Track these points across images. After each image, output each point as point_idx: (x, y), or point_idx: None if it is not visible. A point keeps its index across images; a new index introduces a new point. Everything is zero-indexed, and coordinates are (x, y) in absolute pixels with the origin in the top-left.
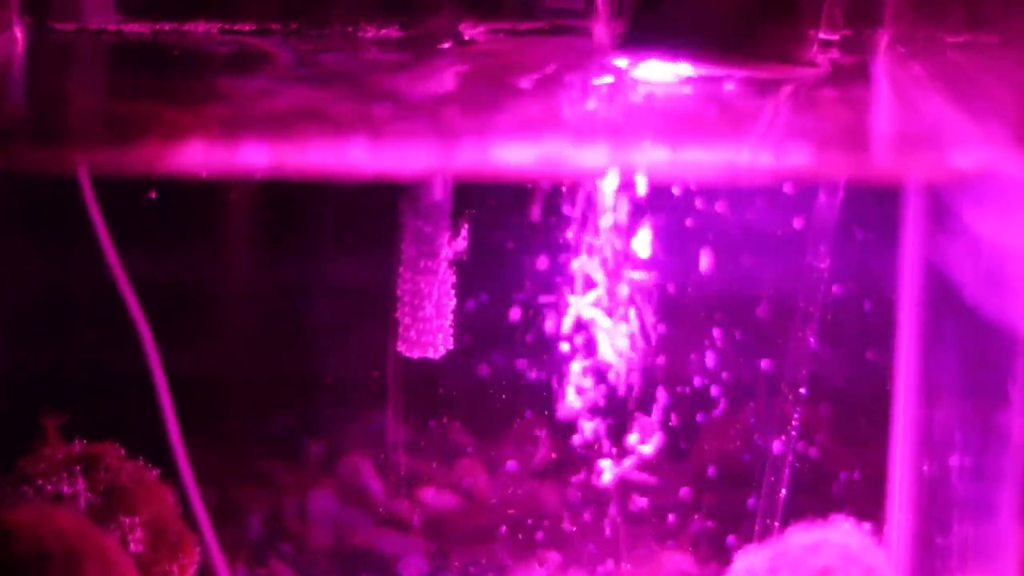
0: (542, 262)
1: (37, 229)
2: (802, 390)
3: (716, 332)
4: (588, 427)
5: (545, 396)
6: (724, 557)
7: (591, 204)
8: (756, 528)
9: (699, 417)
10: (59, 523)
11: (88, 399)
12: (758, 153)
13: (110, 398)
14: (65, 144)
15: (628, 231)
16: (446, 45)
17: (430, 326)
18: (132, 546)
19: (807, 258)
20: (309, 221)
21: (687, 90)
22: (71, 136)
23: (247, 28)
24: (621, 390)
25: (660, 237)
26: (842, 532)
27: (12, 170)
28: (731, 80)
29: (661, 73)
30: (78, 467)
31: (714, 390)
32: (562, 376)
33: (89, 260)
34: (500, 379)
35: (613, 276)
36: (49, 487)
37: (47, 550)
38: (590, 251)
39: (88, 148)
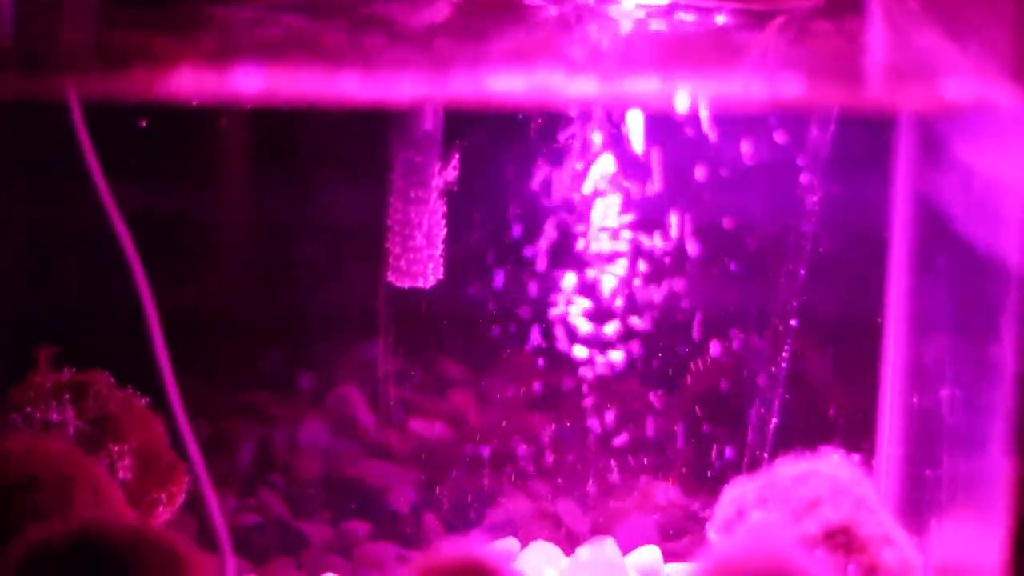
0: (534, 192)
1: (26, 158)
2: (793, 322)
3: (707, 264)
4: (579, 359)
5: (536, 327)
6: (713, 488)
7: (582, 134)
8: (745, 459)
9: (689, 350)
10: (48, 451)
11: (78, 330)
12: (750, 84)
13: (100, 329)
14: (55, 72)
15: (619, 161)
16: None
17: (420, 256)
18: (121, 474)
19: (798, 190)
20: (300, 151)
21: (679, 20)
22: (61, 64)
23: None
24: (612, 321)
25: (651, 168)
26: (831, 464)
27: (1, 98)
28: (723, 11)
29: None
30: (67, 395)
31: (705, 322)
32: (553, 307)
33: (79, 190)
34: (491, 310)
35: (604, 207)
36: (38, 415)
37: (36, 478)
38: (582, 181)
39: (78, 76)
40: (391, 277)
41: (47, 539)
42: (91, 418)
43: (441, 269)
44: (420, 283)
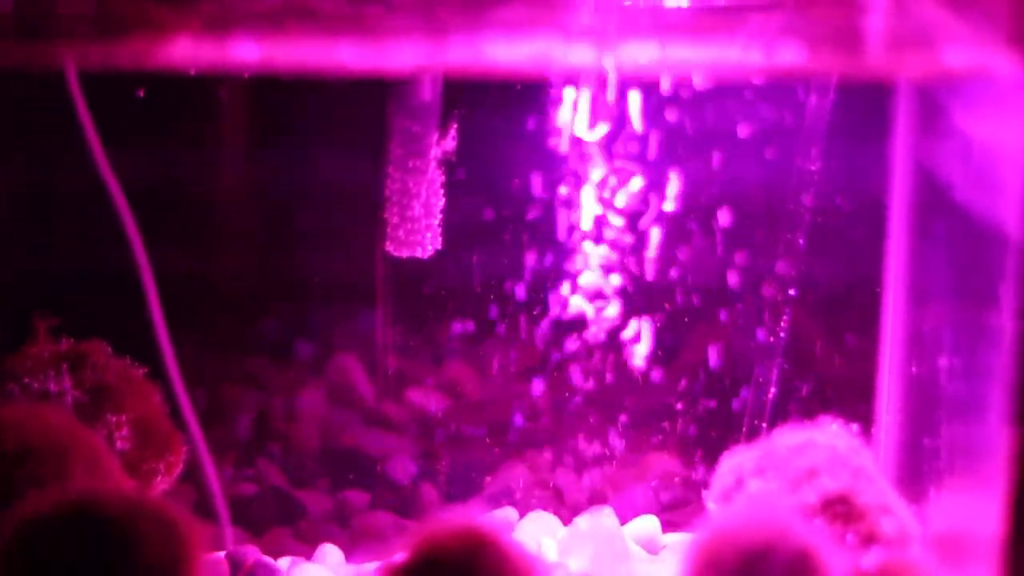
0: (533, 160)
1: (23, 126)
2: (791, 291)
3: (704, 234)
4: (577, 329)
5: (535, 297)
6: (711, 458)
7: (581, 102)
8: (744, 429)
9: (688, 319)
10: (45, 421)
11: (75, 299)
12: (749, 51)
13: (97, 298)
14: (52, 40)
15: (618, 130)
16: None
17: (418, 226)
18: (118, 444)
19: (797, 158)
20: (297, 120)
21: None
22: (58, 32)
23: None
24: (611, 292)
25: (650, 136)
26: (829, 433)
27: None
28: None
29: None
30: (65, 365)
31: (703, 292)
32: (553, 277)
33: (76, 159)
34: (490, 279)
35: (603, 175)
36: (36, 385)
37: (33, 447)
38: (580, 150)
39: (75, 44)
40: (389, 247)
41: (43, 509)
42: (89, 388)
43: (439, 239)
44: (418, 253)
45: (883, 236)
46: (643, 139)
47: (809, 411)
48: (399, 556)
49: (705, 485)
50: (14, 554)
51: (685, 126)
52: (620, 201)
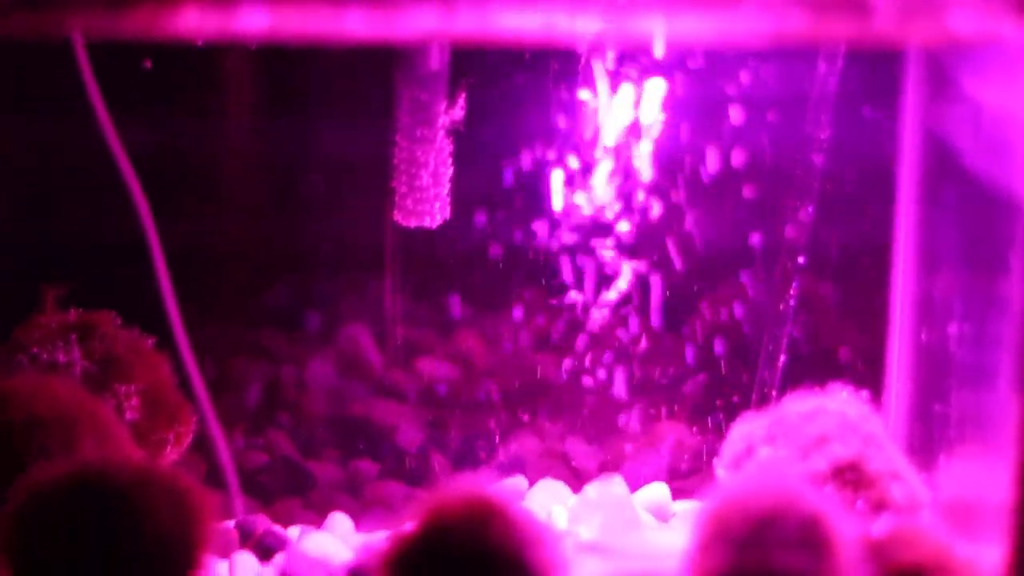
0: (541, 128)
1: (31, 96)
2: (801, 258)
3: (714, 200)
4: (587, 297)
5: (544, 265)
6: (722, 426)
7: (589, 70)
8: (754, 397)
9: (697, 287)
10: (54, 391)
11: (84, 270)
12: (757, 18)
13: (106, 269)
14: (58, 9)
15: (626, 98)
16: None
17: (427, 195)
18: (127, 414)
19: (806, 124)
20: (305, 89)
21: None
22: (65, 1)
23: None
24: (621, 259)
25: (658, 104)
26: (840, 400)
27: (4, 35)
28: None
29: None
30: (74, 336)
31: (713, 259)
32: (562, 245)
33: (84, 128)
34: (499, 248)
35: (613, 143)
36: (44, 355)
37: (41, 418)
38: (590, 117)
39: (82, 14)
40: (397, 217)
41: (50, 479)
42: (98, 359)
43: (448, 208)
44: (426, 223)
45: (893, 203)
46: (651, 105)
47: (819, 378)
48: (408, 525)
49: (715, 453)
50: (23, 524)
51: (692, 94)
52: (629, 167)
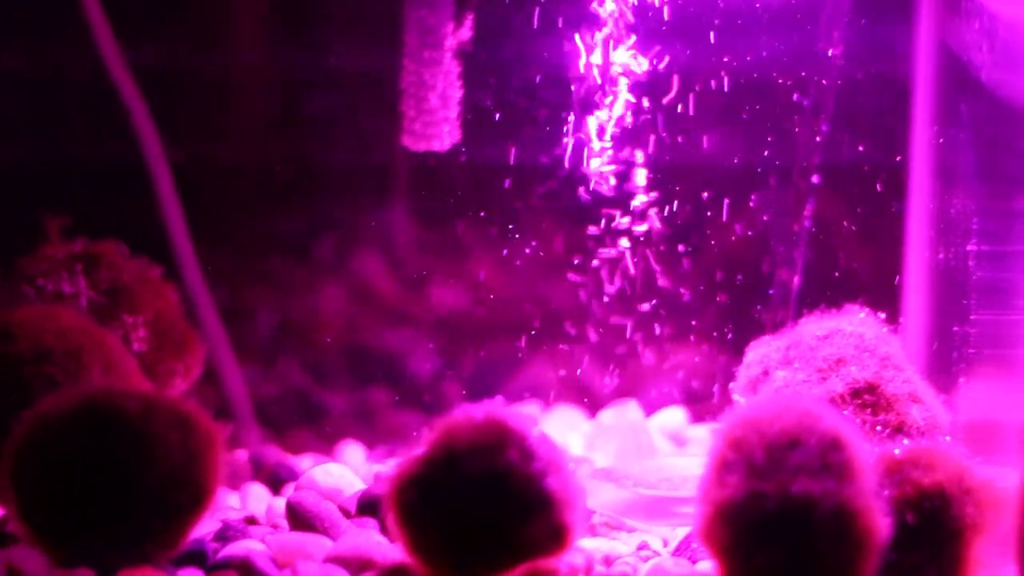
0: (552, 48)
1: (30, 14)
2: (815, 178)
3: (727, 117)
4: (601, 222)
5: (558, 189)
6: (736, 349)
7: None
8: (769, 319)
9: (711, 209)
10: (61, 322)
11: (88, 196)
12: None
13: (111, 195)
14: None
15: (638, 14)
16: None
17: (435, 118)
18: (135, 345)
19: (819, 40)
20: (313, 9)
21: None
22: None
23: None
24: (634, 181)
25: (669, 19)
26: (856, 321)
27: None
28: None
29: None
30: (79, 266)
31: (726, 179)
32: (576, 167)
33: (85, 46)
34: (511, 170)
35: (624, 62)
36: (50, 287)
37: (48, 349)
38: (600, 37)
39: None
40: (406, 141)
41: (56, 409)
42: (104, 289)
43: (457, 131)
44: (436, 146)
45: (908, 120)
46: (662, 23)
47: (835, 299)
48: (420, 449)
49: (731, 376)
50: (30, 453)
51: (704, 10)
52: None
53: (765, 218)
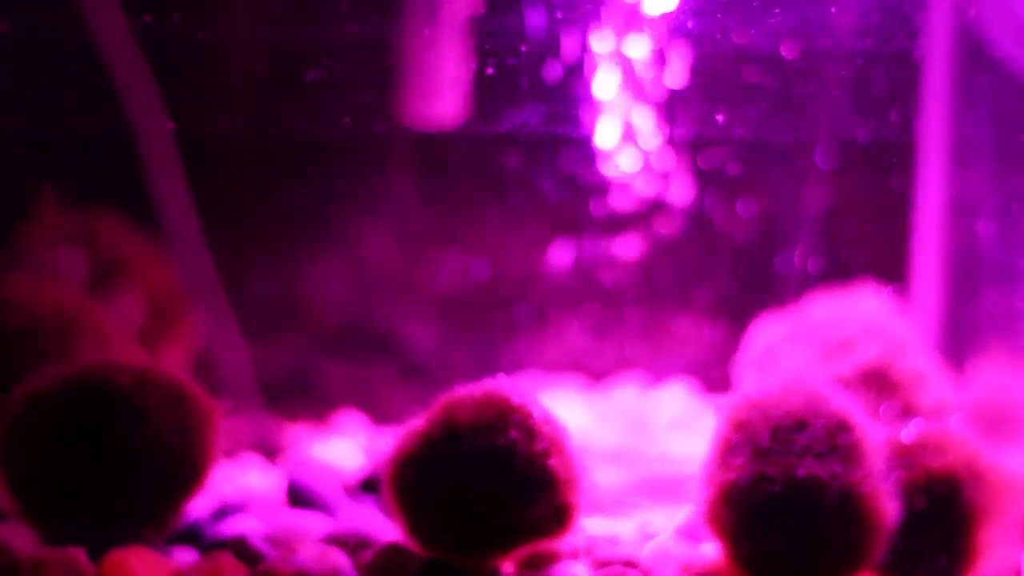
0: (557, 18)
1: None
2: (825, 156)
3: (734, 92)
4: (605, 193)
5: (562, 159)
6: (742, 325)
7: None
8: (776, 296)
9: (718, 183)
10: (55, 296)
11: (85, 166)
12: None
13: (109, 165)
14: None
15: None
16: None
17: (439, 91)
18: (131, 318)
19: (831, 15)
20: None
21: None
22: None
23: None
24: (639, 154)
25: None
26: (865, 302)
27: None
28: None
29: None
30: (75, 238)
31: (734, 154)
32: (578, 139)
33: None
34: (517, 141)
35: (635, 29)
36: (45, 259)
37: (43, 323)
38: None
39: None
40: (409, 115)
41: (49, 384)
42: (100, 261)
43: (461, 106)
44: (439, 120)
45: (921, 95)
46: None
47: (844, 278)
48: (421, 422)
49: (737, 355)
50: (20, 428)
51: None
52: (644, 58)
53: (774, 195)
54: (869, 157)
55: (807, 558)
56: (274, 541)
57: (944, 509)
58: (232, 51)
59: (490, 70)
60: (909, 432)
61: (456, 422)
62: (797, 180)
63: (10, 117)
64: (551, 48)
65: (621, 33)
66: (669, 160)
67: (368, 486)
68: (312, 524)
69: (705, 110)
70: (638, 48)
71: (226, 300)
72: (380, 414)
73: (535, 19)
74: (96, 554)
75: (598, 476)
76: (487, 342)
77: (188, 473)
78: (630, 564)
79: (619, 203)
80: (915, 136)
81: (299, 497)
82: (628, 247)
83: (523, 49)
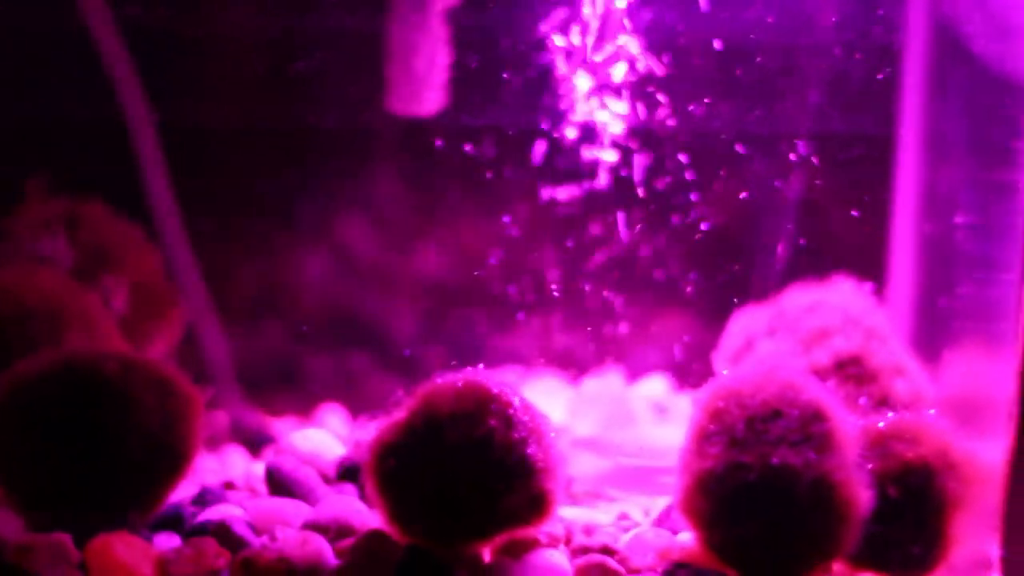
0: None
1: None
2: (801, 146)
3: (713, 84)
4: (585, 187)
5: (546, 155)
6: (721, 317)
7: None
8: (754, 289)
9: (696, 177)
10: (41, 283)
11: (70, 155)
12: None
13: (93, 154)
14: None
15: None
16: None
17: (422, 82)
18: (116, 306)
19: (809, 6)
20: None
21: None
22: None
23: None
24: (617, 149)
25: None
26: (842, 293)
27: None
28: None
29: None
30: (60, 226)
31: (711, 147)
32: (559, 134)
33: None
34: (498, 133)
35: (618, 25)
36: (30, 246)
37: (28, 310)
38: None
39: None
40: (392, 105)
41: (34, 371)
42: (85, 249)
43: (444, 96)
44: (421, 109)
45: (898, 88)
46: None
47: (821, 270)
48: (399, 414)
49: (715, 346)
50: (6, 415)
51: None
52: (626, 50)
53: (751, 187)
54: (846, 150)
55: (781, 545)
56: (256, 527)
57: (917, 498)
58: (217, 42)
59: (473, 62)
60: (884, 422)
61: (436, 411)
62: (774, 173)
63: None
64: (532, 39)
65: (600, 25)
66: (647, 154)
67: (348, 474)
68: (293, 511)
69: (680, 104)
70: (616, 40)
71: (205, 290)
72: (361, 404)
73: (516, 11)
74: (81, 539)
75: (576, 465)
76: (468, 334)
77: (171, 460)
78: (608, 551)
79: (598, 196)
80: (892, 129)
81: (280, 485)
82: (608, 240)
83: (504, 40)
